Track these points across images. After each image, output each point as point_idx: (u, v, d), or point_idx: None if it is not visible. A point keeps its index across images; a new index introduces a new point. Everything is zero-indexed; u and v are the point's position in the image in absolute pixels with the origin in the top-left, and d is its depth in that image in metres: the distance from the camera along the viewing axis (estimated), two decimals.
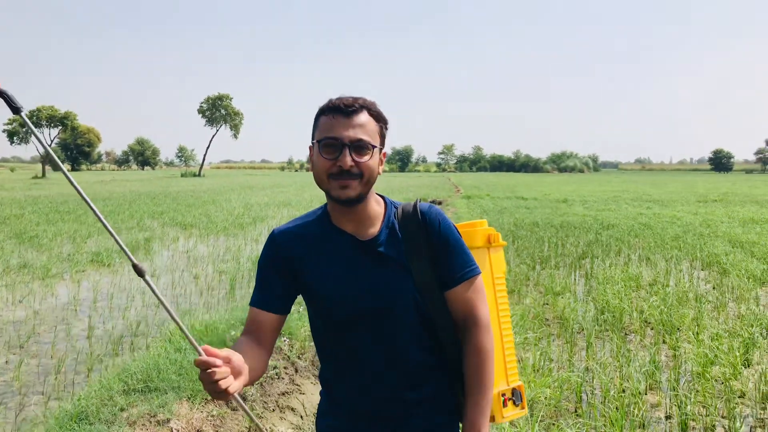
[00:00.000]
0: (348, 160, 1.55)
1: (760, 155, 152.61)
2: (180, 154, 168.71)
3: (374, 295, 1.62)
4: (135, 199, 25.38)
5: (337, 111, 1.58)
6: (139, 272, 1.29)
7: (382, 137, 1.66)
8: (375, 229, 1.67)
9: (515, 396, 1.72)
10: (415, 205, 1.70)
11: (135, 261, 1.27)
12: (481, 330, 1.65)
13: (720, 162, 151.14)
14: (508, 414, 1.73)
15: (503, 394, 1.71)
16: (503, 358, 1.76)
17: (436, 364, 1.66)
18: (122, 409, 3.68)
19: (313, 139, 1.65)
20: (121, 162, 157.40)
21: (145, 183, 48.13)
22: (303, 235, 1.70)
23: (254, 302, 1.69)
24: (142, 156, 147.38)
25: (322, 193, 1.65)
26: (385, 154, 1.69)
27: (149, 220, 16.91)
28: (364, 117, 1.60)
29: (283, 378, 4.87)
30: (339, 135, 1.56)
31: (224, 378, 1.31)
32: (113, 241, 12.08)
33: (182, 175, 77.91)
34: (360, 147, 1.57)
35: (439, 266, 1.66)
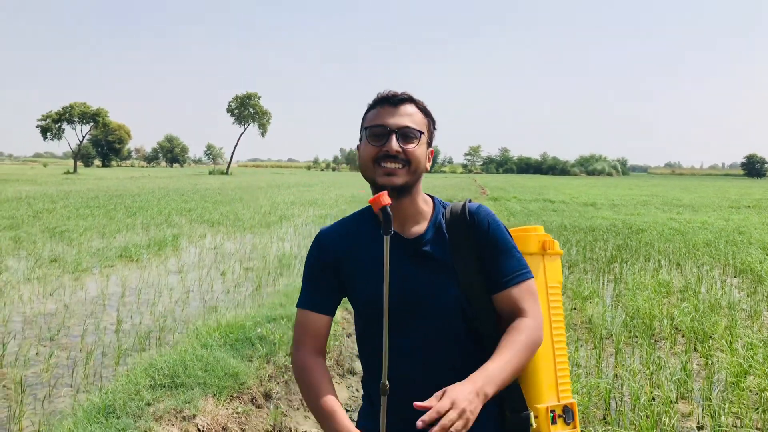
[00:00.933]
0: (394, 145, 1.54)
1: None
2: (208, 152, 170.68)
3: (415, 295, 1.57)
4: (164, 196, 25.69)
5: (385, 101, 1.60)
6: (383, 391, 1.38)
7: (430, 133, 1.65)
8: (421, 227, 1.64)
9: (566, 413, 1.60)
10: (464, 205, 1.67)
11: (385, 381, 1.37)
12: (527, 318, 1.56)
13: (753, 167, 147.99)
14: None
15: (552, 410, 1.59)
16: (554, 373, 1.65)
17: (478, 366, 1.56)
18: (149, 404, 3.70)
19: (361, 131, 1.67)
20: (151, 159, 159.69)
21: (173, 180, 48.73)
22: (347, 234, 1.69)
23: (304, 304, 1.67)
24: (171, 153, 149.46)
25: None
26: (432, 151, 1.67)
27: (177, 216, 17.09)
28: (411, 108, 1.60)
29: None
30: (386, 122, 1.56)
31: None
32: (141, 236, 12.24)
33: (210, 173, 78.66)
34: (407, 134, 1.56)
35: (487, 268, 1.60)
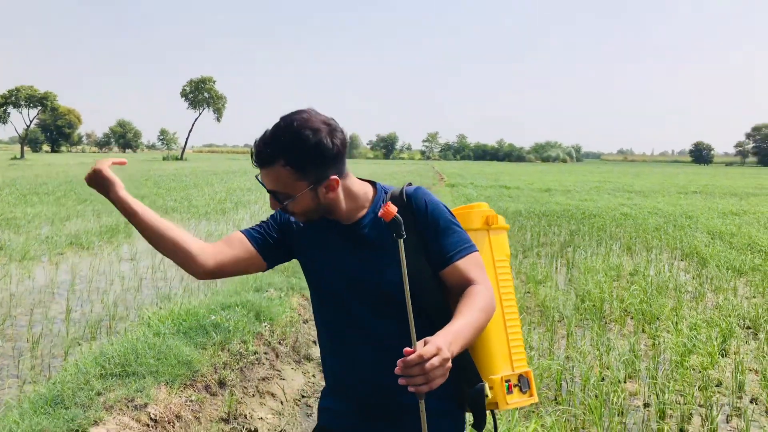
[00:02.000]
0: (273, 205, 1.59)
1: (740, 148, 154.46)
2: (162, 137, 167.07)
3: (353, 279, 1.61)
4: None
5: (253, 158, 1.56)
6: None
7: (313, 175, 1.53)
8: (361, 213, 1.65)
9: (521, 382, 1.62)
10: (402, 189, 1.68)
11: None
12: (478, 285, 1.57)
13: (700, 154, 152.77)
14: (514, 401, 1.61)
15: (507, 380, 1.60)
16: (507, 343, 1.66)
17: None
18: (99, 393, 3.62)
19: None
20: (102, 144, 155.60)
21: (126, 166, 47.61)
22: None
23: (244, 230, 1.73)
24: (123, 138, 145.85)
25: None
26: (335, 180, 1.56)
27: None
28: (276, 169, 1.52)
29: (263, 363, 4.85)
30: (262, 180, 1.57)
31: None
32: (92, 223, 11.92)
33: (164, 159, 77.21)
34: (277, 197, 1.57)
35: (431, 248, 1.61)
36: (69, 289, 7.12)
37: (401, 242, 1.36)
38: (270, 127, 1.54)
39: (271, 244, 1.71)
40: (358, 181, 1.67)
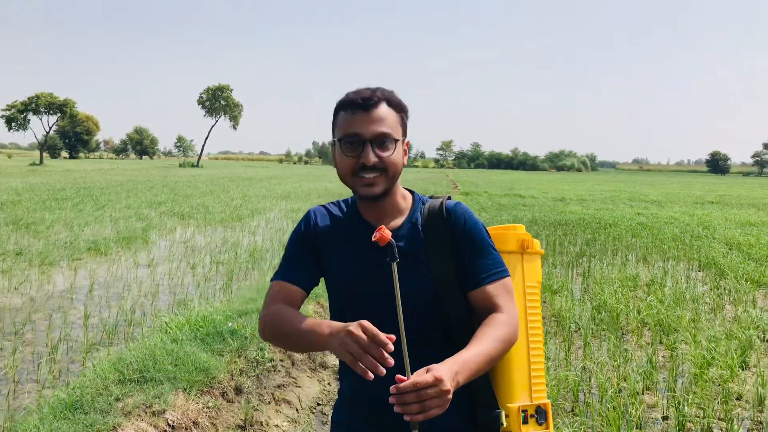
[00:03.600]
0: (371, 157, 1.52)
1: (757, 158, 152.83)
2: (178, 144, 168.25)
3: (383, 289, 1.54)
4: (133, 189, 25.32)
5: (356, 106, 1.55)
6: None
7: (404, 127, 1.62)
8: (397, 222, 1.64)
9: (539, 414, 1.58)
10: (441, 202, 1.67)
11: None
12: (502, 314, 1.53)
13: (717, 164, 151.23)
14: None
15: (524, 410, 1.57)
16: (528, 372, 1.62)
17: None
18: (117, 399, 3.65)
19: (333, 136, 1.63)
20: (119, 151, 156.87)
21: (143, 172, 48.04)
22: (333, 215, 1.72)
23: (279, 275, 1.65)
24: (140, 145, 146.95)
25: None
26: (408, 143, 1.66)
27: (147, 209, 16.86)
28: (384, 109, 1.56)
29: (279, 370, 4.86)
30: (360, 131, 1.53)
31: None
32: (109, 230, 12.04)
33: (180, 166, 77.78)
34: (383, 142, 1.54)
35: (464, 266, 1.59)
36: (87, 294, 7.19)
37: (394, 266, 1.36)
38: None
39: (308, 272, 1.66)
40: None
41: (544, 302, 7.17)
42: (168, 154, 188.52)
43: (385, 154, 1.54)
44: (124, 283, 7.86)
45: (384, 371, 1.27)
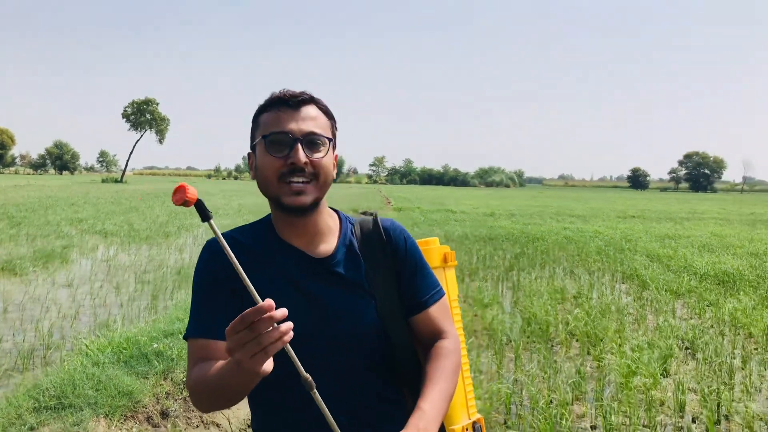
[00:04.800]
0: (302, 156, 1.34)
1: (673, 174, 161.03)
2: (101, 159, 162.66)
3: (325, 322, 1.39)
4: (52, 205, 24.18)
5: (283, 104, 1.39)
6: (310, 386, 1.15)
7: (334, 136, 1.46)
8: (329, 246, 1.46)
9: (476, 430, 1.57)
10: (375, 221, 1.52)
11: (305, 374, 1.14)
12: (448, 340, 1.47)
13: (637, 180, 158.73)
14: None
15: (466, 429, 1.55)
16: (464, 390, 1.60)
17: (396, 398, 1.47)
18: (32, 429, 3.43)
19: (252, 141, 1.44)
20: (38, 166, 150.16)
21: (63, 188, 46.02)
22: (244, 243, 1.45)
23: (197, 331, 1.38)
24: (60, 160, 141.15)
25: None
26: (337, 157, 1.48)
27: (67, 227, 16.13)
28: (313, 110, 1.42)
29: None
30: (289, 128, 1.36)
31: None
32: (26, 248, 11.43)
33: (103, 181, 74.90)
34: (314, 141, 1.37)
35: (405, 290, 1.48)
36: (0, 317, 6.77)
37: (212, 224, 1.14)
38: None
39: (229, 320, 1.36)
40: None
41: (476, 315, 7.25)
42: (90, 169, 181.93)
43: (316, 156, 1.37)
44: (42, 304, 7.45)
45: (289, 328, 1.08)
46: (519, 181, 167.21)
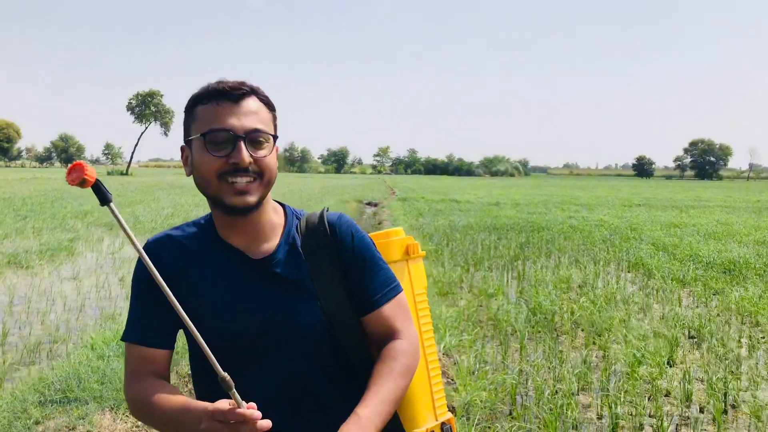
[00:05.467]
0: (246, 156, 1.26)
1: (678, 162, 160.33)
2: (107, 152, 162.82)
3: (266, 325, 1.33)
4: (58, 198, 24.25)
5: (222, 96, 1.29)
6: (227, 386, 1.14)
7: (275, 129, 1.37)
8: (271, 244, 1.38)
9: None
10: (321, 216, 1.42)
11: (222, 373, 1.12)
12: (402, 341, 1.38)
13: (642, 168, 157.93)
14: None
15: (432, 431, 1.47)
16: (430, 391, 1.50)
17: (352, 396, 1.33)
18: (37, 422, 3.45)
19: (188, 134, 1.34)
20: (44, 159, 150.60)
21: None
22: (182, 245, 1.39)
23: (133, 335, 1.35)
24: (65, 153, 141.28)
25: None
26: (277, 149, 1.38)
27: (73, 220, 16.18)
28: (254, 103, 1.32)
29: None
30: (230, 125, 1.27)
31: None
32: (32, 241, 11.48)
33: (108, 174, 75.14)
34: (258, 139, 1.29)
35: (354, 289, 1.39)
36: (6, 310, 6.80)
37: (112, 206, 1.07)
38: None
39: (165, 325, 1.36)
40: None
41: (481, 306, 7.24)
42: (96, 161, 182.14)
43: (260, 154, 1.29)
44: (48, 297, 7.48)
45: None
46: (524, 170, 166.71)
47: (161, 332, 1.37)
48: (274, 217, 1.40)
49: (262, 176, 1.31)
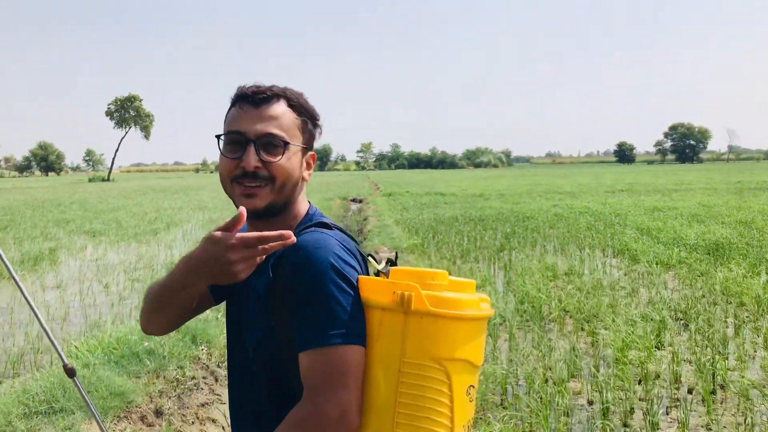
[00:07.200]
0: (252, 160, 1.26)
1: (659, 147, 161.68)
2: (88, 158, 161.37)
3: (239, 332, 1.37)
4: (38, 207, 23.96)
5: (244, 100, 1.31)
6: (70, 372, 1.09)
7: (308, 134, 1.36)
8: None
9: None
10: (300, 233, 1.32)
11: (66, 361, 1.09)
12: (301, 405, 1.17)
13: (624, 154, 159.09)
14: None
15: None
16: None
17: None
18: None
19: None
20: (23, 168, 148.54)
21: (49, 190, 45.62)
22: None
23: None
24: (45, 161, 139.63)
25: None
26: (314, 156, 1.39)
27: (54, 228, 15.98)
28: (278, 108, 1.31)
29: (202, 388, 4.66)
30: (243, 129, 1.28)
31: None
32: (13, 252, 11.32)
33: (90, 180, 74.36)
34: (269, 144, 1.28)
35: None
36: None
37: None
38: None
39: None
40: None
41: None
42: (76, 169, 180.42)
43: (271, 159, 1.27)
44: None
45: None
46: (507, 160, 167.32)
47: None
48: (293, 224, 1.36)
49: (273, 182, 1.29)
